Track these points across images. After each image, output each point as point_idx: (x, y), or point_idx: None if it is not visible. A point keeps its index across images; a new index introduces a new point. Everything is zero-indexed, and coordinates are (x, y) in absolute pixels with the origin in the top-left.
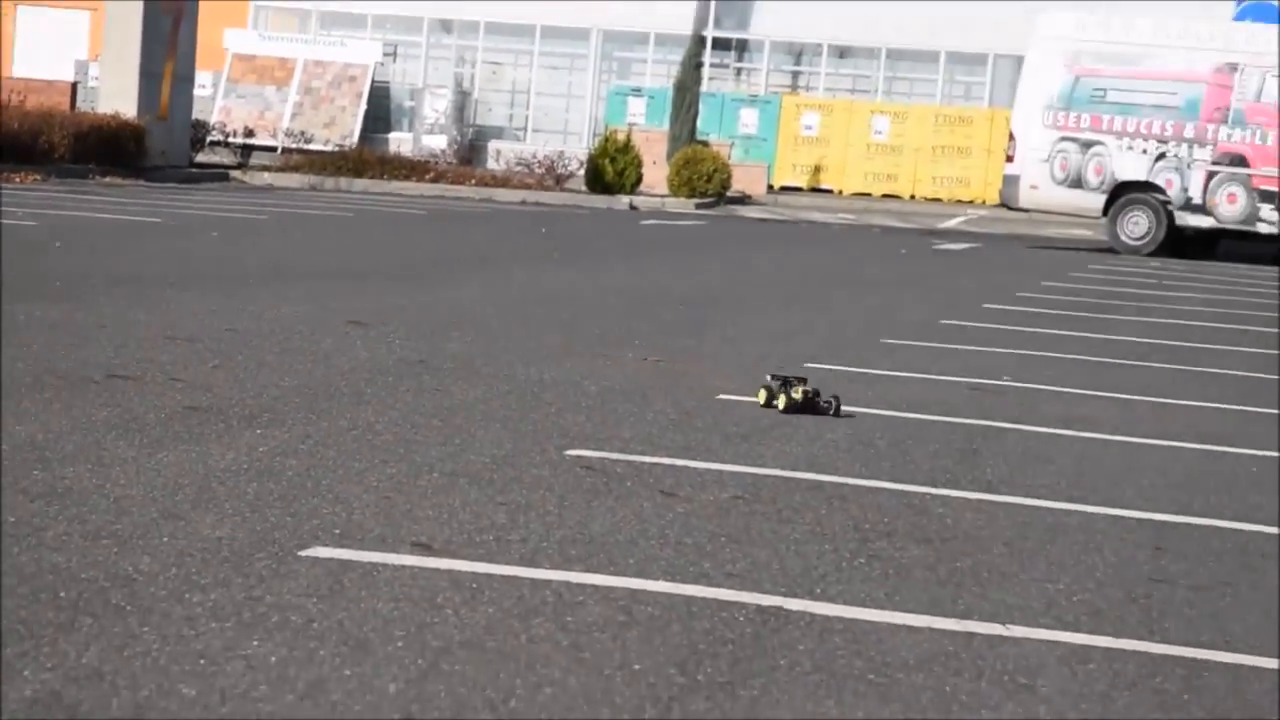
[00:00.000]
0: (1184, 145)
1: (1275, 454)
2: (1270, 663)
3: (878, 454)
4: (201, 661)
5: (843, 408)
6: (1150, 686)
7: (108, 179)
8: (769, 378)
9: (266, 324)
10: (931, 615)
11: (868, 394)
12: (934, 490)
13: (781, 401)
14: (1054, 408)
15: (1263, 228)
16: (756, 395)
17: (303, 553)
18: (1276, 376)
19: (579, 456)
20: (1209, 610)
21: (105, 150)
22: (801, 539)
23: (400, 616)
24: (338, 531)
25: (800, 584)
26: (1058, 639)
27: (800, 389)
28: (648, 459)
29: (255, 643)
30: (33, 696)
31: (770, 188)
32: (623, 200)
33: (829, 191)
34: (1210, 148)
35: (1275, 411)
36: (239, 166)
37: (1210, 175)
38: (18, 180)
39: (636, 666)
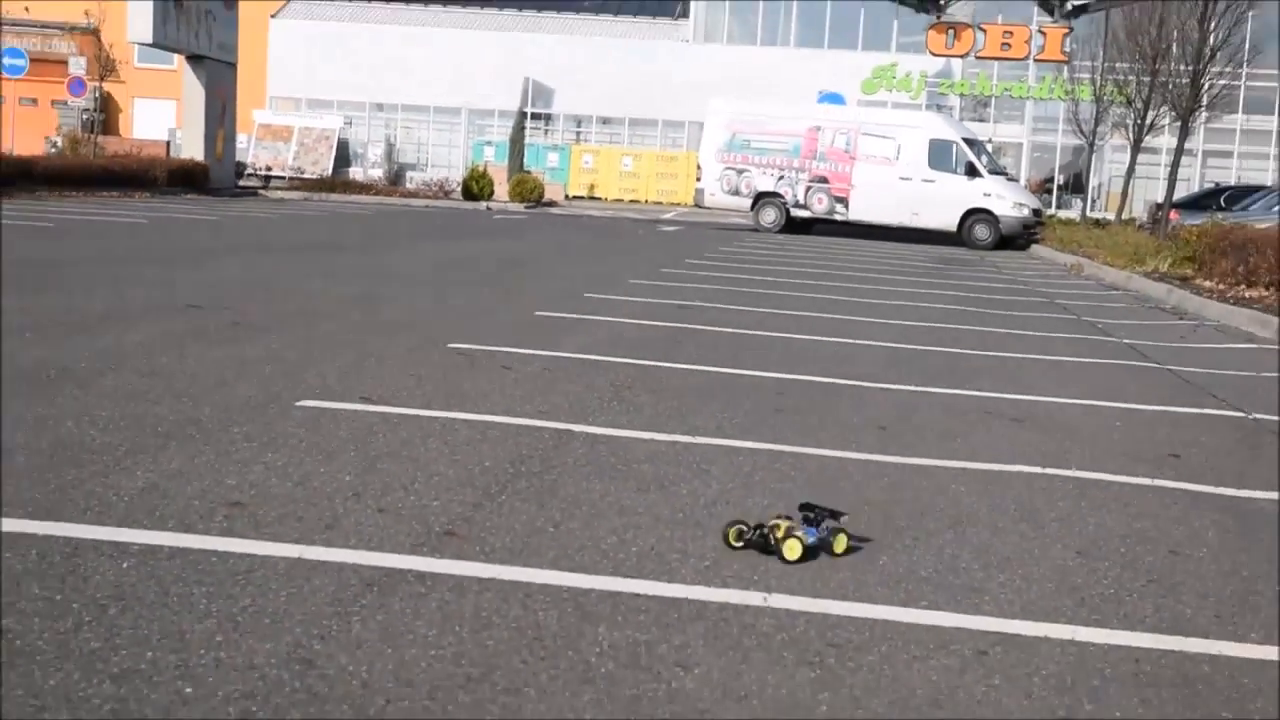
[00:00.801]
0: (793, 171)
1: (864, 342)
2: (857, 455)
3: (627, 342)
4: (239, 464)
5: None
6: (777, 470)
7: (187, 196)
8: (805, 509)
9: (276, 275)
10: (653, 432)
11: (622, 309)
12: (656, 363)
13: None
14: (725, 317)
15: (838, 217)
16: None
17: (297, 404)
18: (857, 298)
19: (456, 348)
20: (811, 425)
21: (185, 179)
22: (581, 391)
23: (352, 438)
24: (317, 391)
25: (580, 416)
26: (722, 444)
27: (774, 530)
28: (494, 348)
29: (270, 455)
30: (143, 486)
31: (566, 197)
32: (482, 205)
33: (600, 199)
34: (807, 173)
35: (865, 319)
36: (263, 188)
37: (808, 187)
38: (136, 198)
39: (487, 463)
